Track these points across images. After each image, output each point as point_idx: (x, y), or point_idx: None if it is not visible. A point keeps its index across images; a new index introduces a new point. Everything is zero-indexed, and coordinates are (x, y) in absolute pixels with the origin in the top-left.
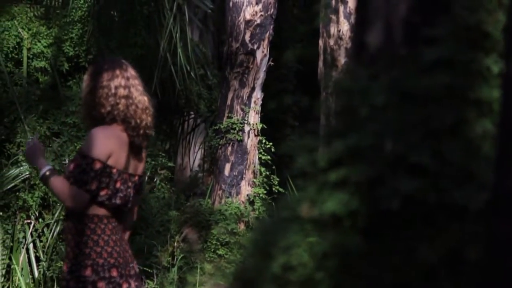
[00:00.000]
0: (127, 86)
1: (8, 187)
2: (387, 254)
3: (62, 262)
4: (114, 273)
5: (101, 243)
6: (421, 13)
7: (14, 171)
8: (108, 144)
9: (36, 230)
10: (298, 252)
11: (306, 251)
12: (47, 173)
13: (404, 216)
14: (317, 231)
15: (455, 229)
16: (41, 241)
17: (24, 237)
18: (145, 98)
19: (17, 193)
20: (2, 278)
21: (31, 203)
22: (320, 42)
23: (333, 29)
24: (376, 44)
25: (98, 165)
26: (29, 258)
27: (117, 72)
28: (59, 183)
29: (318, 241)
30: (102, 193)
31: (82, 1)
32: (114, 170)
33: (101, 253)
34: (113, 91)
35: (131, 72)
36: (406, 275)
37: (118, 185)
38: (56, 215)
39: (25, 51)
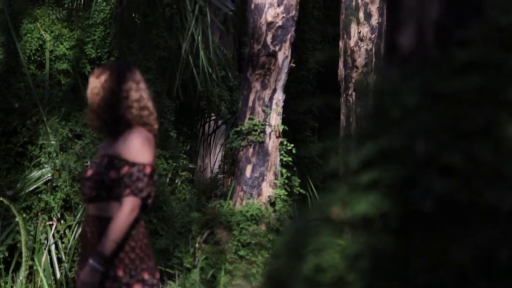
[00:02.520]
0: (138, 90)
1: (31, 188)
2: (419, 255)
3: None
4: (146, 276)
5: (137, 249)
6: (453, 15)
7: (36, 173)
8: (150, 147)
9: (58, 232)
10: (330, 254)
11: (337, 252)
12: (98, 260)
13: (436, 217)
14: (349, 232)
15: (487, 229)
16: (63, 243)
17: (46, 239)
18: (151, 103)
19: (39, 195)
20: (25, 279)
21: (53, 205)
22: (340, 44)
23: (353, 31)
24: (408, 45)
25: (149, 170)
26: (51, 259)
27: (127, 75)
28: (114, 229)
29: (349, 242)
30: (150, 198)
31: (104, 4)
32: (155, 173)
33: (135, 259)
34: (125, 94)
35: (139, 76)
36: (438, 276)
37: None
38: (78, 217)
39: (47, 53)
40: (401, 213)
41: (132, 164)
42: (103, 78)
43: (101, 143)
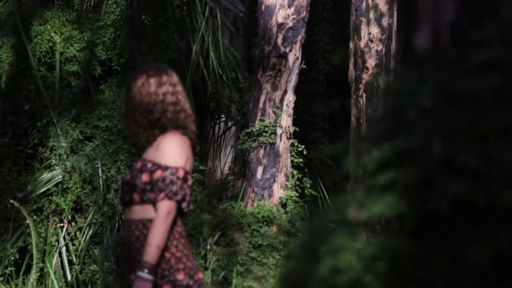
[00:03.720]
0: (174, 93)
1: (41, 191)
2: (436, 256)
3: (95, 266)
4: (180, 276)
5: (172, 248)
6: (469, 15)
7: (47, 175)
8: (183, 150)
9: (68, 234)
10: (346, 255)
11: (354, 254)
12: (146, 271)
13: (453, 219)
14: (365, 234)
15: (504, 231)
16: (73, 245)
17: (57, 241)
18: (189, 105)
19: (50, 197)
20: (36, 282)
21: (63, 207)
22: (351, 45)
23: (363, 32)
24: (423, 46)
25: (182, 173)
26: (61, 261)
27: (164, 78)
28: (154, 236)
29: (366, 244)
30: (184, 201)
31: (114, 5)
32: (189, 176)
33: (170, 258)
34: (161, 97)
35: (176, 78)
36: (456, 277)
37: (190, 190)
38: (88, 219)
39: (57, 55)
40: (418, 215)
41: (165, 168)
42: (139, 82)
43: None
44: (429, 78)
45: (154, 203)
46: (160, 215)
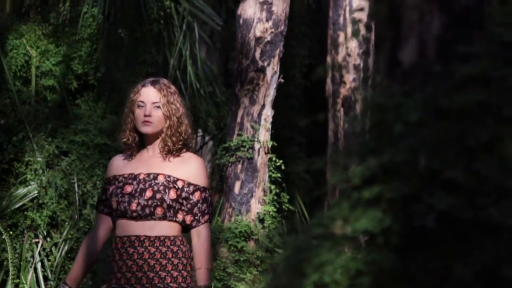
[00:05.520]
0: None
1: (16, 206)
2: (422, 271)
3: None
4: None
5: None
6: (455, 30)
7: (22, 190)
8: None
9: (44, 249)
10: (331, 270)
11: (339, 268)
12: None
13: (439, 233)
14: (351, 248)
15: (491, 246)
16: (49, 260)
17: (32, 256)
18: None
19: (25, 212)
20: None
21: (39, 222)
22: (328, 59)
23: (341, 46)
24: (409, 60)
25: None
26: (37, 277)
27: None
28: (206, 260)
29: (351, 258)
30: None
31: (91, 19)
32: None
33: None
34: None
35: None
36: None
37: None
38: (64, 234)
39: (33, 70)
40: (404, 229)
41: (203, 189)
42: (176, 94)
43: (122, 158)
44: (415, 92)
45: (178, 221)
46: (207, 238)
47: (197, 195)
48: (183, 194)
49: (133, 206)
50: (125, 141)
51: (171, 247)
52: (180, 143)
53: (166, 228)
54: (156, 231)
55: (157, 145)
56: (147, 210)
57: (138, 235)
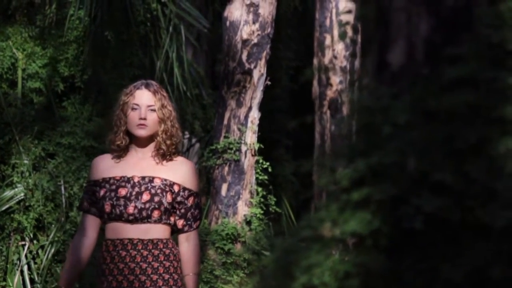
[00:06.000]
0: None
1: (3, 208)
2: (410, 273)
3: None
4: None
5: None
6: (443, 32)
7: (8, 193)
8: None
9: (30, 252)
10: (320, 272)
11: (328, 270)
12: None
13: (427, 235)
14: (339, 250)
15: (479, 247)
16: (35, 263)
17: (19, 259)
18: None
19: (12, 215)
20: None
21: (25, 225)
22: (315, 61)
23: (327, 48)
24: (398, 62)
25: None
26: (23, 280)
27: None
28: (196, 264)
29: (340, 260)
30: None
31: (77, 21)
32: None
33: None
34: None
35: None
36: None
37: None
38: (50, 237)
39: (19, 72)
40: (392, 231)
41: (196, 195)
42: (167, 97)
43: (111, 160)
44: (403, 94)
45: (169, 224)
46: (198, 243)
47: (191, 200)
48: (178, 199)
49: (130, 209)
50: (119, 144)
51: (164, 249)
52: (173, 147)
53: (160, 231)
54: (150, 234)
55: (148, 148)
56: (144, 213)
57: (131, 238)
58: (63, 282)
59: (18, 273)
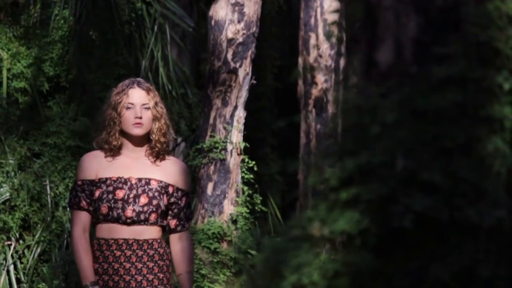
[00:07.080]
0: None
1: None
2: (399, 272)
3: (44, 284)
4: None
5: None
6: (431, 31)
7: None
8: None
9: (16, 252)
10: (309, 271)
11: (317, 270)
12: None
13: (416, 234)
14: (328, 250)
15: (468, 247)
16: (22, 263)
17: (5, 259)
18: None
19: None
20: None
21: (11, 225)
22: (300, 60)
23: (312, 47)
24: (386, 62)
25: None
26: (10, 280)
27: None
28: (190, 263)
29: (329, 260)
30: None
31: (62, 21)
32: None
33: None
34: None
35: None
36: None
37: None
38: (36, 237)
39: (4, 72)
40: (381, 230)
41: (187, 195)
42: (157, 99)
43: (103, 160)
44: (392, 94)
45: (163, 225)
46: (190, 242)
47: (184, 200)
48: (172, 199)
49: (128, 212)
50: (115, 144)
51: (158, 249)
52: (166, 145)
53: (154, 232)
54: (146, 235)
55: (142, 147)
56: (142, 216)
57: (127, 238)
58: (92, 277)
59: (4, 273)
